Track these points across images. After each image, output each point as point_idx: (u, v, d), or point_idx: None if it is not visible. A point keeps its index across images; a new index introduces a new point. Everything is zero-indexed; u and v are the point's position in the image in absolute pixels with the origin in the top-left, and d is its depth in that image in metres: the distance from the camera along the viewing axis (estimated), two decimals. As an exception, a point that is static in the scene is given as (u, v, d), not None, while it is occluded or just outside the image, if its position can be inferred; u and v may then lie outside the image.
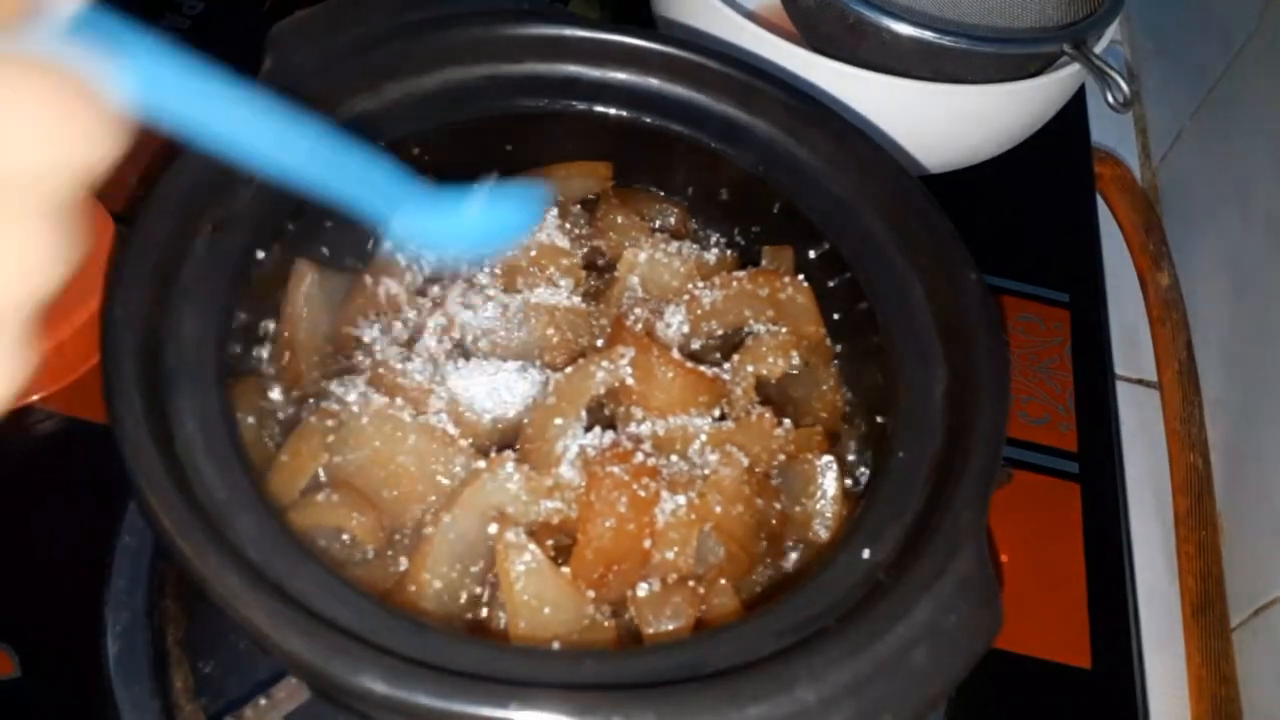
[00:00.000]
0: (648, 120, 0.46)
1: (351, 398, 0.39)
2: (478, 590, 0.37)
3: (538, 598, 0.35)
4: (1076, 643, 0.51)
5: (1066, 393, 0.61)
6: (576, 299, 0.44)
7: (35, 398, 0.52)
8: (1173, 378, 0.69)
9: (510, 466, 0.37)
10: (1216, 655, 0.58)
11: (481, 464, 0.38)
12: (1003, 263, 0.66)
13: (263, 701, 0.39)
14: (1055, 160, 0.73)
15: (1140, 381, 0.70)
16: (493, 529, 0.36)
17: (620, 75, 0.46)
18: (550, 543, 0.38)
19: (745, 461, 0.39)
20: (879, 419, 0.42)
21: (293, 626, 0.29)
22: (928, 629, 0.31)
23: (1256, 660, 0.55)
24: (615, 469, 0.38)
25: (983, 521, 0.33)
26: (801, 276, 0.45)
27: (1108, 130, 0.82)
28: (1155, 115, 0.87)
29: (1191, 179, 0.79)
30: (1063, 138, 0.71)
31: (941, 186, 0.43)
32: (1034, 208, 0.72)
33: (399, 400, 0.39)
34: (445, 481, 0.38)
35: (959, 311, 0.39)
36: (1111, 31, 0.62)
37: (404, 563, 0.37)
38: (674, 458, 0.40)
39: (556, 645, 0.34)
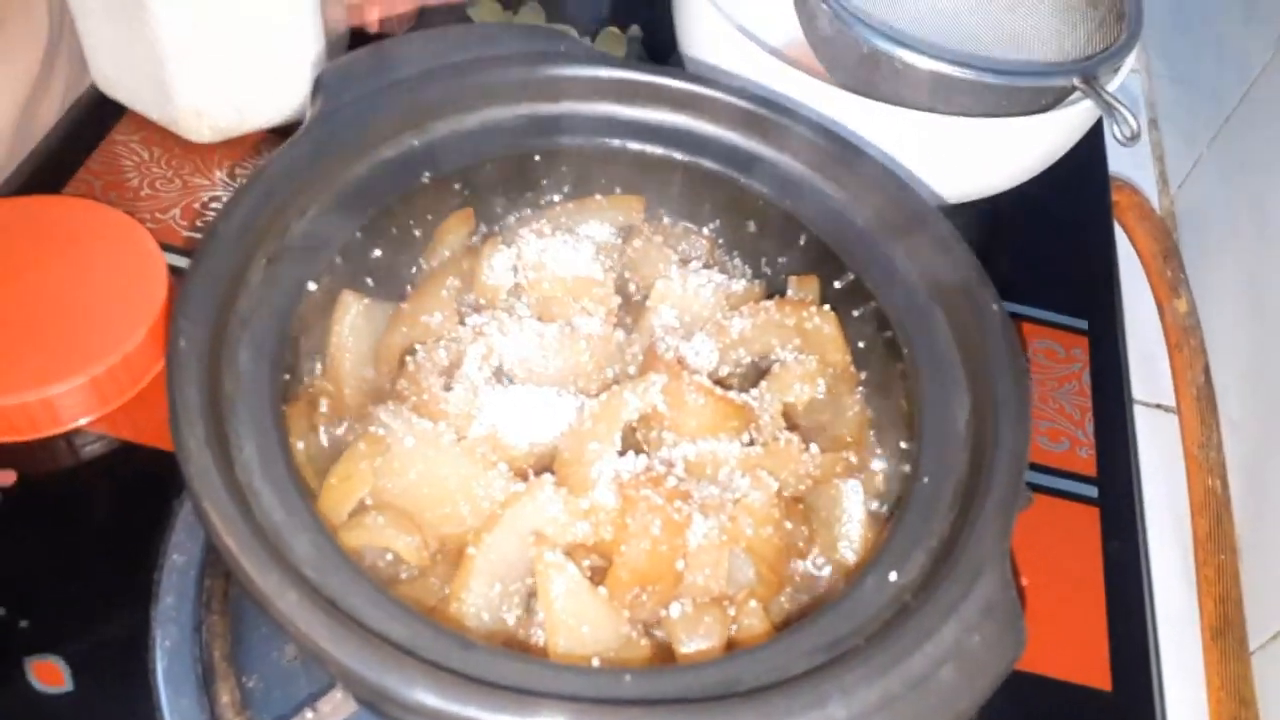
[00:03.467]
0: (679, 156, 0.48)
1: (396, 423, 0.40)
2: (517, 609, 0.38)
3: (576, 616, 0.36)
4: (1097, 665, 0.52)
5: (1085, 418, 0.62)
6: (609, 328, 0.46)
7: (84, 421, 0.54)
8: (1190, 402, 0.70)
9: (549, 489, 0.38)
10: (1236, 678, 0.58)
11: (520, 487, 0.40)
12: (1022, 289, 0.68)
13: (309, 715, 0.40)
14: (1073, 188, 0.75)
15: (1158, 406, 0.71)
16: (532, 550, 0.38)
17: (653, 114, 0.48)
18: (585, 564, 0.39)
19: (775, 485, 0.41)
20: (903, 444, 0.43)
21: (349, 642, 0.30)
22: (954, 649, 0.32)
23: (1276, 683, 0.55)
24: (649, 492, 0.39)
25: (1006, 545, 0.34)
26: (827, 306, 0.46)
27: (1125, 158, 0.83)
28: (1172, 143, 0.88)
29: (1209, 206, 0.80)
30: (1080, 166, 0.72)
31: (961, 213, 0.45)
32: (1053, 235, 0.73)
33: (441, 425, 0.41)
34: (486, 504, 0.39)
35: (981, 341, 0.40)
36: (1129, 64, 0.63)
37: (446, 582, 0.39)
38: (705, 483, 0.41)
39: (596, 662, 0.35)
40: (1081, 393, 0.63)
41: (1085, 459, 0.60)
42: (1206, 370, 0.72)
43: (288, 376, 0.41)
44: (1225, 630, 0.61)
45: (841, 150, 0.46)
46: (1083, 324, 0.67)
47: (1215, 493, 0.66)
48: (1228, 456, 0.67)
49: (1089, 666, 0.51)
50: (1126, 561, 0.56)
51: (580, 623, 0.36)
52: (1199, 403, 0.70)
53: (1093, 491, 0.59)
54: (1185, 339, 0.74)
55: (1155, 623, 0.55)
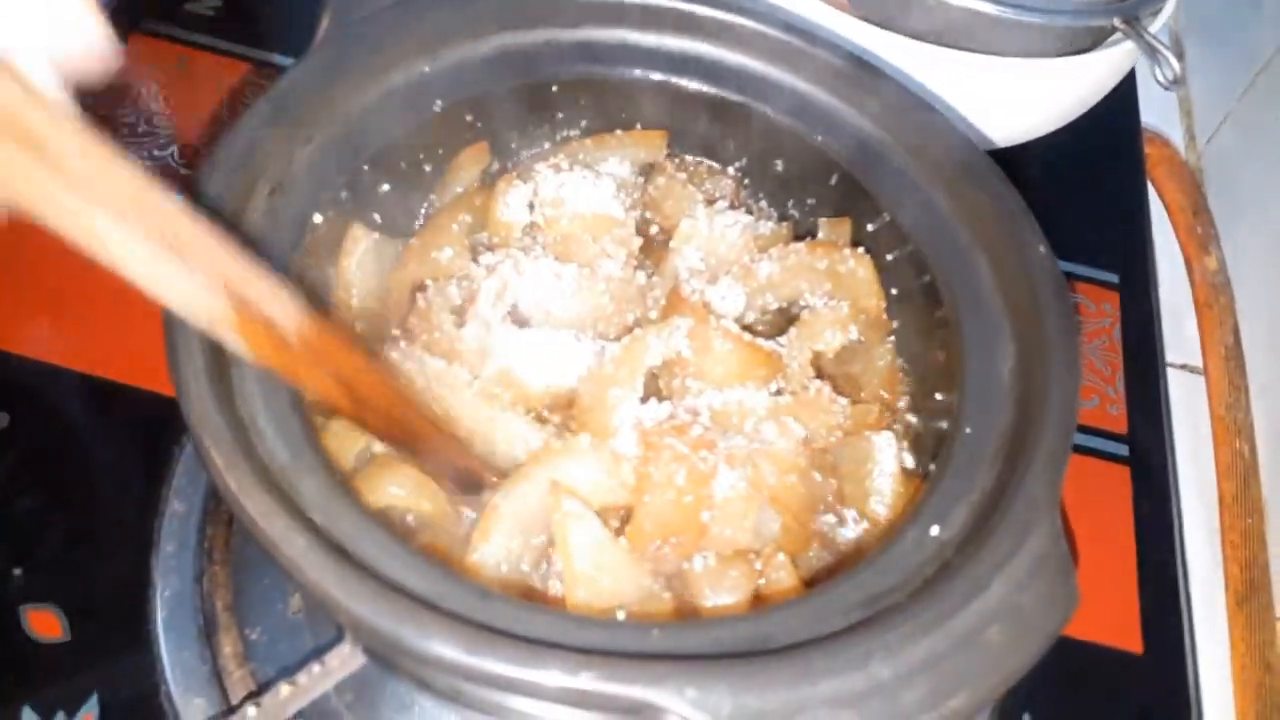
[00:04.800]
0: (704, 88, 0.45)
1: (408, 364, 0.38)
2: (538, 560, 0.36)
3: (596, 568, 0.34)
4: (1128, 627, 0.50)
5: (1116, 375, 0.60)
6: (630, 269, 0.44)
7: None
8: (1219, 363, 0.68)
9: (586, 446, 0.36)
10: (1260, 645, 0.57)
11: (539, 434, 0.38)
12: (1051, 243, 0.65)
13: (316, 668, 0.39)
14: (1104, 138, 0.72)
15: (1185, 367, 0.69)
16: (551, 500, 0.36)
17: (677, 41, 0.45)
18: (614, 524, 0.37)
19: (801, 432, 0.39)
20: (938, 395, 0.41)
21: (362, 591, 0.28)
22: (1003, 606, 0.30)
23: (1304, 649, 0.54)
24: (673, 441, 0.37)
25: (1056, 498, 0.32)
26: (861, 249, 0.44)
27: (1152, 111, 0.80)
28: (1201, 97, 0.85)
29: (1239, 161, 0.78)
30: (1112, 116, 0.69)
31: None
32: (1083, 187, 0.71)
33: (455, 366, 0.38)
34: (503, 448, 0.37)
35: (1027, 285, 0.38)
36: (1170, 6, 0.61)
37: (462, 531, 0.37)
38: (731, 434, 0.39)
39: (622, 615, 0.34)
40: (1112, 348, 0.61)
41: (1115, 416, 0.58)
42: (1235, 330, 0.70)
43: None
44: (1251, 595, 0.59)
45: (879, 84, 0.44)
46: (1113, 278, 0.65)
47: (1242, 455, 0.65)
48: (1255, 419, 0.65)
49: (1120, 628, 0.50)
50: (1158, 523, 0.54)
51: (600, 574, 0.35)
52: (1227, 363, 0.68)
53: (1123, 450, 0.57)
54: (1214, 297, 0.72)
55: (1188, 586, 0.53)
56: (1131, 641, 0.50)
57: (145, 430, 0.50)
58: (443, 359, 0.38)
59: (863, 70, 0.44)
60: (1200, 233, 0.75)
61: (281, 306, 0.30)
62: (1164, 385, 0.62)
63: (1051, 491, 0.32)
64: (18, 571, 0.46)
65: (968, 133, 0.59)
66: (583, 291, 0.42)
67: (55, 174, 0.24)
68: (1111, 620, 0.50)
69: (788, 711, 0.27)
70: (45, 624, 0.45)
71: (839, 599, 0.32)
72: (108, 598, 0.46)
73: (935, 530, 0.33)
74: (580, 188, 0.44)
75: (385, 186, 0.43)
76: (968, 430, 0.36)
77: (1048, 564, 0.31)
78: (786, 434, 0.39)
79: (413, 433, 0.36)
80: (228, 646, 0.44)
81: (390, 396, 0.35)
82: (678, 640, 0.30)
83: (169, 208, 0.26)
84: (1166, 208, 0.77)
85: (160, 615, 0.45)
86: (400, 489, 0.36)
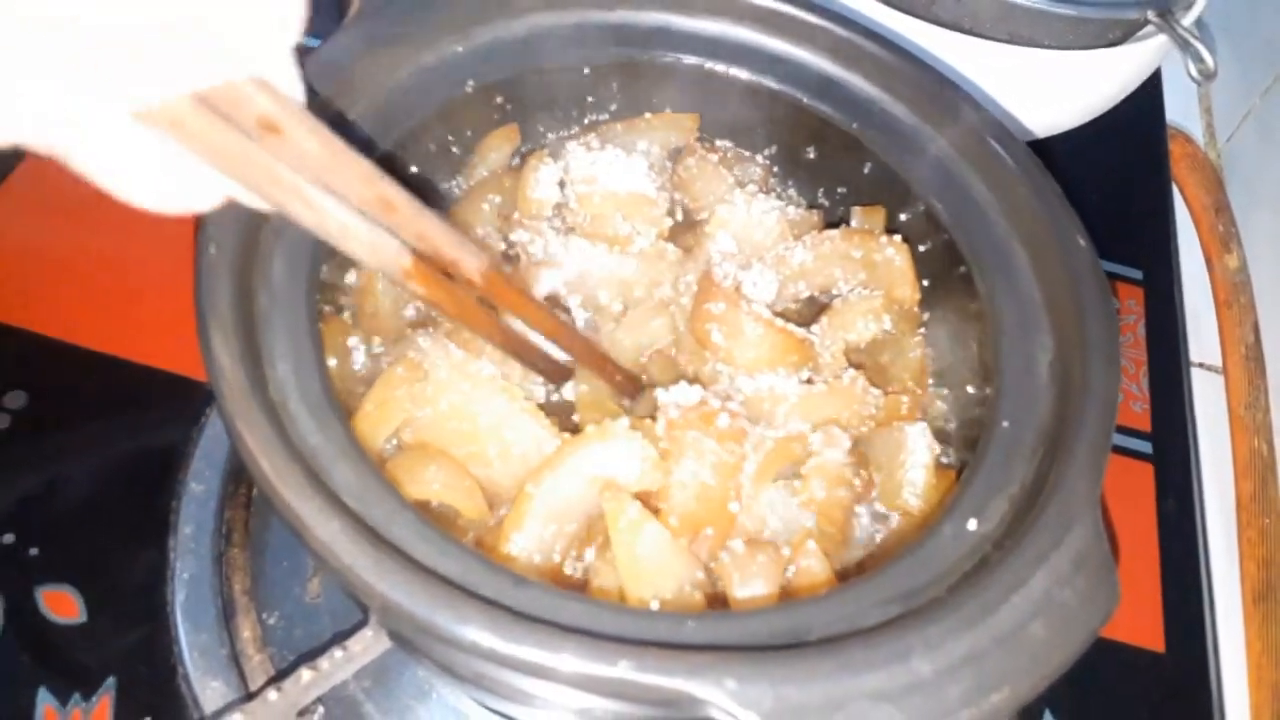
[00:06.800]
0: (738, 73, 0.44)
1: (436, 351, 0.38)
2: (569, 550, 0.36)
3: (662, 573, 0.34)
4: (1150, 625, 0.50)
5: (1140, 372, 0.60)
6: (660, 245, 0.43)
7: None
8: (1238, 361, 0.68)
9: (624, 432, 0.36)
10: (1277, 642, 0.57)
11: (555, 440, 0.37)
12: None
13: (338, 654, 0.38)
14: (1129, 135, 0.71)
15: (1202, 365, 0.68)
16: (596, 492, 0.35)
17: (711, 25, 0.44)
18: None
19: (848, 442, 0.38)
20: (971, 389, 0.40)
21: (397, 575, 0.28)
22: (1044, 602, 0.30)
23: (1325, 650, 0.53)
24: (697, 434, 0.36)
25: (1098, 494, 0.32)
26: (897, 237, 0.43)
27: (1172, 108, 0.79)
28: (1222, 94, 0.85)
29: (1259, 160, 0.77)
30: (1136, 112, 0.69)
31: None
32: (1107, 183, 0.70)
33: (483, 360, 0.38)
34: (517, 450, 0.36)
35: (1066, 278, 0.37)
36: (1200, 3, 0.60)
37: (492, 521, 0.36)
38: (762, 424, 0.39)
39: (655, 605, 0.33)
40: (1136, 345, 0.61)
41: (1140, 414, 0.58)
42: (1256, 328, 0.69)
43: (321, 294, 0.38)
44: (1267, 594, 0.59)
45: (916, 72, 0.43)
46: (1137, 274, 0.64)
47: (1261, 454, 0.64)
48: (1274, 418, 0.65)
49: (1142, 627, 0.50)
50: (1181, 521, 0.54)
51: (667, 579, 0.34)
52: (1247, 362, 0.68)
53: (1147, 447, 0.56)
54: (1235, 296, 0.71)
55: (1211, 585, 0.53)
56: (1154, 640, 0.50)
57: (164, 411, 0.49)
58: (468, 352, 0.38)
59: (901, 58, 0.43)
60: (1222, 231, 0.75)
61: (469, 257, 0.33)
62: (1189, 384, 0.61)
63: (1093, 487, 0.32)
64: (34, 552, 0.45)
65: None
66: (613, 266, 0.41)
67: (281, 155, 0.27)
68: (1134, 618, 0.50)
69: (830, 705, 0.27)
70: (62, 605, 0.44)
71: (876, 592, 0.31)
72: (125, 579, 0.45)
73: (973, 524, 0.33)
74: (613, 166, 0.43)
75: (413, 168, 0.42)
76: (1005, 424, 0.35)
77: (1089, 560, 0.31)
78: (835, 443, 0.38)
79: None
80: (246, 630, 0.43)
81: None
82: (714, 631, 0.29)
83: (382, 182, 0.30)
84: (1188, 205, 0.76)
85: (178, 598, 0.44)
86: (442, 485, 0.35)
